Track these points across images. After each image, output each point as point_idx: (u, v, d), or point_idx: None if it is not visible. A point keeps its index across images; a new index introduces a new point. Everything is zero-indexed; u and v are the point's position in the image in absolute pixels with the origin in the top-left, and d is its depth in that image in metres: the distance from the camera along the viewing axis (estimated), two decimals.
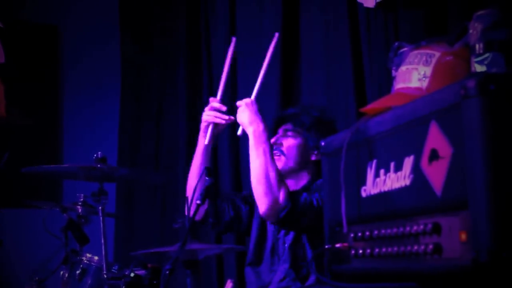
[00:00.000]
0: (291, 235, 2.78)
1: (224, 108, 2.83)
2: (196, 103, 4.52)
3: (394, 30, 3.09)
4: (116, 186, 4.74)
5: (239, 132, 2.78)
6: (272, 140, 2.83)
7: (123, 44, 5.14)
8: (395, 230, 1.62)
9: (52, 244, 3.03)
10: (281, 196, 2.61)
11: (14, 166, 3.12)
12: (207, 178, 2.40)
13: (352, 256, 1.79)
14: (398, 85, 1.86)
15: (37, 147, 5.00)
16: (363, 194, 1.78)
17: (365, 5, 3.14)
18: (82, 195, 3.15)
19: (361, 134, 1.80)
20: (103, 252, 2.85)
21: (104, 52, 5.18)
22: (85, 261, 2.98)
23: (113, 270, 2.85)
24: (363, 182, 1.78)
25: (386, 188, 1.68)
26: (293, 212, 2.60)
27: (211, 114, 2.83)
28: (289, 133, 2.86)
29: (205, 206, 2.84)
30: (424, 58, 1.81)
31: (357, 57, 3.28)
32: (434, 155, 1.51)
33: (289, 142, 2.85)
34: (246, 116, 2.71)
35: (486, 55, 1.61)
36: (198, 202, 2.45)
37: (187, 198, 2.68)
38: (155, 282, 2.80)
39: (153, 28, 4.98)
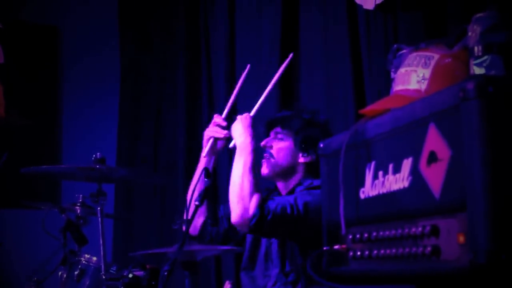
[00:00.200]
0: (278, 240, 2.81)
1: (224, 124, 2.91)
2: (195, 104, 4.52)
3: (393, 32, 3.09)
4: (115, 187, 4.75)
5: (231, 145, 2.85)
6: (262, 143, 2.89)
7: (123, 45, 5.14)
8: (393, 232, 1.62)
9: (51, 244, 3.03)
10: (252, 205, 2.63)
11: (13, 166, 3.12)
12: (205, 179, 2.40)
13: (350, 258, 1.79)
14: (397, 87, 1.86)
15: (36, 147, 5.00)
16: (362, 196, 1.78)
17: (364, 7, 3.14)
18: (81, 195, 3.15)
19: (359, 135, 1.80)
20: (102, 253, 2.85)
21: (104, 52, 5.19)
22: (84, 262, 2.98)
23: (111, 271, 2.85)
24: (362, 184, 1.78)
25: (384, 190, 1.68)
26: (262, 221, 2.61)
27: (212, 129, 2.91)
28: (279, 136, 2.91)
29: (202, 219, 2.88)
30: (423, 60, 1.81)
31: (356, 58, 3.29)
32: (432, 157, 1.51)
33: (278, 145, 2.89)
34: (238, 128, 2.80)
35: (485, 57, 1.61)
36: (197, 203, 2.45)
37: (186, 202, 2.69)
38: (153, 283, 2.80)
39: (152, 29, 4.98)
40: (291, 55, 2.99)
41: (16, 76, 4.89)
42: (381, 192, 1.70)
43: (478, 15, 1.65)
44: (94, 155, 2.89)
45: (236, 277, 3.68)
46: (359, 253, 1.74)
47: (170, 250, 2.58)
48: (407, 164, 1.59)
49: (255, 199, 2.64)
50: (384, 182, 1.68)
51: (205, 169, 2.49)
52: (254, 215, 2.61)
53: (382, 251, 1.66)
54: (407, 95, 1.79)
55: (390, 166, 1.66)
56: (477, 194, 1.37)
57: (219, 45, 4.30)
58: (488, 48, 1.61)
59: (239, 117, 2.83)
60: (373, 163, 1.74)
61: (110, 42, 5.18)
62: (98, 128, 5.07)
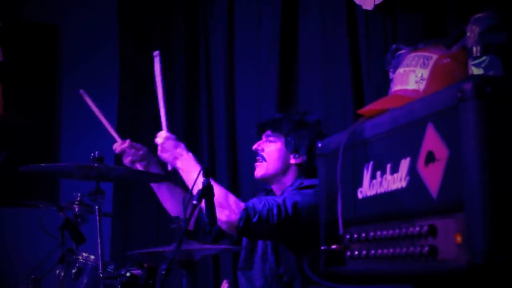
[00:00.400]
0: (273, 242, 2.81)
1: (126, 145, 3.16)
2: (194, 103, 4.52)
3: (392, 32, 3.09)
4: (113, 186, 4.74)
5: (169, 167, 2.93)
6: (254, 146, 2.93)
7: (122, 45, 5.14)
8: (391, 232, 1.62)
9: (49, 243, 3.03)
10: (235, 207, 2.64)
11: (11, 165, 3.11)
12: (204, 178, 2.40)
13: (347, 257, 1.79)
14: (396, 87, 1.87)
15: (35, 146, 5.00)
16: (360, 196, 1.79)
17: (363, 7, 3.14)
18: (79, 194, 3.15)
19: (358, 135, 1.80)
20: (99, 252, 2.84)
21: (103, 52, 5.18)
22: (81, 260, 2.97)
23: (109, 270, 2.85)
24: (360, 184, 1.78)
25: (382, 190, 1.68)
26: (249, 223, 2.61)
27: (127, 157, 3.16)
28: (270, 139, 2.93)
29: (195, 215, 2.89)
30: (421, 61, 1.81)
31: (355, 59, 3.28)
32: (430, 158, 1.51)
33: (269, 147, 2.92)
34: (168, 155, 2.89)
35: (483, 58, 1.62)
36: (195, 202, 2.45)
37: (184, 198, 2.70)
38: (151, 282, 2.80)
39: (152, 29, 4.98)
40: (156, 52, 3.15)
41: (15, 75, 4.89)
42: (379, 192, 1.70)
43: (477, 15, 1.66)
44: (92, 154, 2.89)
45: (234, 276, 3.69)
46: (356, 253, 1.75)
47: (168, 249, 2.58)
48: (405, 164, 1.59)
49: (232, 199, 2.66)
50: (382, 182, 1.69)
51: (204, 168, 2.49)
52: (240, 218, 2.61)
53: (379, 251, 1.66)
54: (405, 95, 1.79)
55: (388, 166, 1.66)
56: (475, 194, 1.37)
57: (218, 45, 4.30)
58: (487, 49, 1.61)
59: (159, 142, 2.91)
60: (371, 163, 1.74)
61: (109, 42, 5.17)
62: (97, 127, 5.06)
